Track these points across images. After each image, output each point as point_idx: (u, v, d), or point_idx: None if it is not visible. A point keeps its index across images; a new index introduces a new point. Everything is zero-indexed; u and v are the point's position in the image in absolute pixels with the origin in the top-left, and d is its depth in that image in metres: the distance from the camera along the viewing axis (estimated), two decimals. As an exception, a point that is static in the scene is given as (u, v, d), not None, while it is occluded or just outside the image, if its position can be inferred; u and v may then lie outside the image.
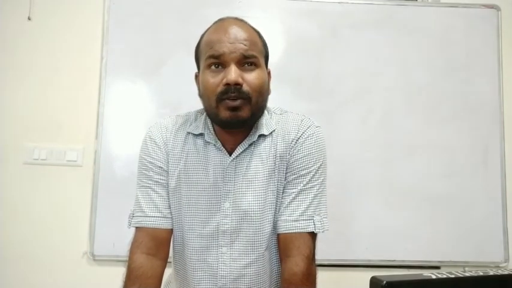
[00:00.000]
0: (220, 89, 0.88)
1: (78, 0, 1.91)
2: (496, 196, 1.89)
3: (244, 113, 0.88)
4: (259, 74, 0.91)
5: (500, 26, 1.95)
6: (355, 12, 1.93)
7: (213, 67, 0.90)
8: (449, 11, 1.96)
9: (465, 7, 1.96)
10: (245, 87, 0.88)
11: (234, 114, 0.88)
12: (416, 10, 1.96)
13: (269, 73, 0.99)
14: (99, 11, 1.88)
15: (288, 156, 0.95)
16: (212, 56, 0.89)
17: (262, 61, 0.93)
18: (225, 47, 0.88)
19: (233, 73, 0.87)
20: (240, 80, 0.87)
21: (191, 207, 0.95)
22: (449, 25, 1.95)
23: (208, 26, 0.96)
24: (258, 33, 0.97)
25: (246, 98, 0.88)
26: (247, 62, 0.89)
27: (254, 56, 0.90)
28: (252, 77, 0.89)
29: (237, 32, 0.90)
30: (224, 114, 0.88)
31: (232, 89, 0.87)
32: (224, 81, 0.87)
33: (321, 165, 0.95)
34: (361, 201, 1.85)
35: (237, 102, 0.87)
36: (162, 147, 0.97)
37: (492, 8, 1.96)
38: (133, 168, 1.01)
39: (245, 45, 0.89)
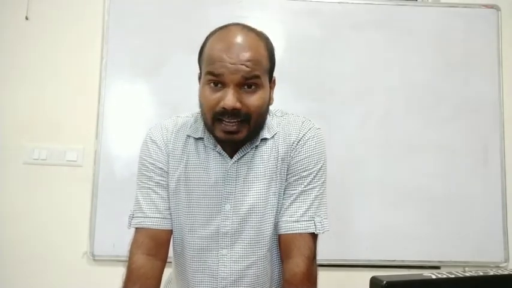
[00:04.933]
0: (218, 109, 0.86)
1: (77, 0, 1.91)
2: (496, 196, 1.89)
3: (242, 134, 0.88)
4: (260, 95, 0.88)
5: (500, 26, 1.95)
6: (355, 12, 1.93)
7: (212, 84, 0.87)
8: (449, 11, 1.96)
9: (465, 7, 1.96)
10: (244, 110, 0.86)
11: (230, 136, 0.87)
12: (416, 10, 1.96)
13: (274, 81, 0.97)
14: (99, 11, 1.88)
15: (289, 158, 0.95)
16: (212, 73, 0.86)
17: (265, 79, 0.90)
18: (225, 67, 0.84)
19: (231, 97, 0.84)
20: (238, 105, 0.84)
21: (191, 209, 0.95)
22: (449, 25, 1.95)
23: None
24: (266, 41, 0.92)
25: (243, 121, 0.86)
26: (248, 83, 0.86)
27: (256, 77, 0.86)
28: (252, 100, 0.87)
29: (240, 50, 0.85)
30: (219, 134, 0.88)
31: (230, 113, 0.85)
32: (221, 104, 0.84)
33: (321, 167, 0.96)
34: (361, 201, 1.85)
35: (234, 127, 0.86)
36: (163, 148, 0.97)
37: (492, 8, 1.96)
38: (133, 168, 1.01)
39: (247, 66, 0.84)
